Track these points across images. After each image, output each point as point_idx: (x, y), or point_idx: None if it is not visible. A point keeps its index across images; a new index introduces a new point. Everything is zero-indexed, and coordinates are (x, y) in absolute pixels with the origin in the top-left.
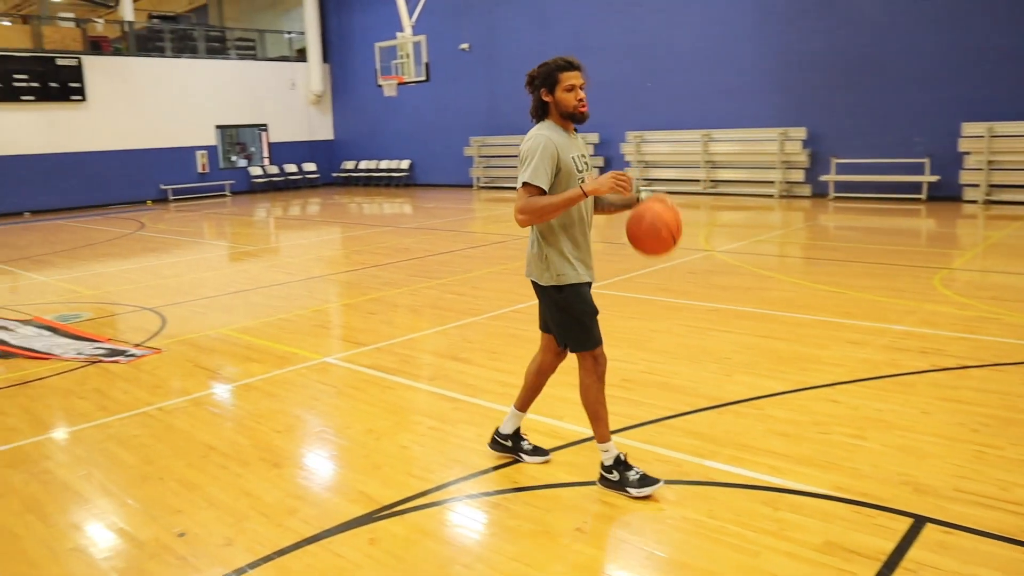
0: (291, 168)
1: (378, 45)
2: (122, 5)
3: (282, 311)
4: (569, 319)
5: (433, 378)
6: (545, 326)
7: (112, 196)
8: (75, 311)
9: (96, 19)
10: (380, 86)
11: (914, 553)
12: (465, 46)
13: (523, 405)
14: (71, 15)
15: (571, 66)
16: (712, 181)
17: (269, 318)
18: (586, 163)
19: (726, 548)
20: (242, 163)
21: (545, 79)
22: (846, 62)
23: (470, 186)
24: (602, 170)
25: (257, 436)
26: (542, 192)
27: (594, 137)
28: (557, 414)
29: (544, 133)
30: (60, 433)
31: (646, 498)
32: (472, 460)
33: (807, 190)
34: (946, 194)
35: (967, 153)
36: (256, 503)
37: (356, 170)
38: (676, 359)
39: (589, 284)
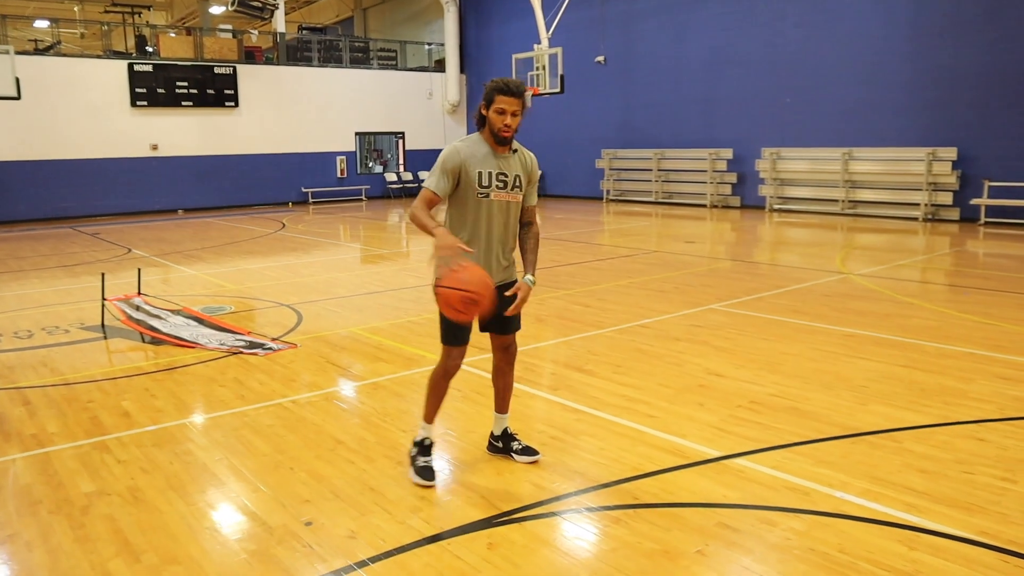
0: (425, 175)
1: (515, 56)
2: (275, 18)
3: (412, 314)
4: (441, 314)
5: (556, 388)
6: (482, 326)
7: (257, 197)
8: (220, 304)
9: (252, 31)
10: None
11: None
12: (601, 59)
13: (500, 408)
14: (229, 27)
15: (508, 91)
16: (851, 202)
17: (399, 320)
18: (504, 181)
19: None
20: (378, 169)
21: (486, 96)
22: (1006, 78)
23: (600, 198)
24: (734, 187)
25: (383, 434)
26: (437, 197)
27: (728, 152)
28: (681, 432)
29: (458, 145)
30: (201, 417)
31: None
32: (593, 472)
33: (955, 214)
34: None
35: None
36: (380, 499)
37: None
38: (808, 384)
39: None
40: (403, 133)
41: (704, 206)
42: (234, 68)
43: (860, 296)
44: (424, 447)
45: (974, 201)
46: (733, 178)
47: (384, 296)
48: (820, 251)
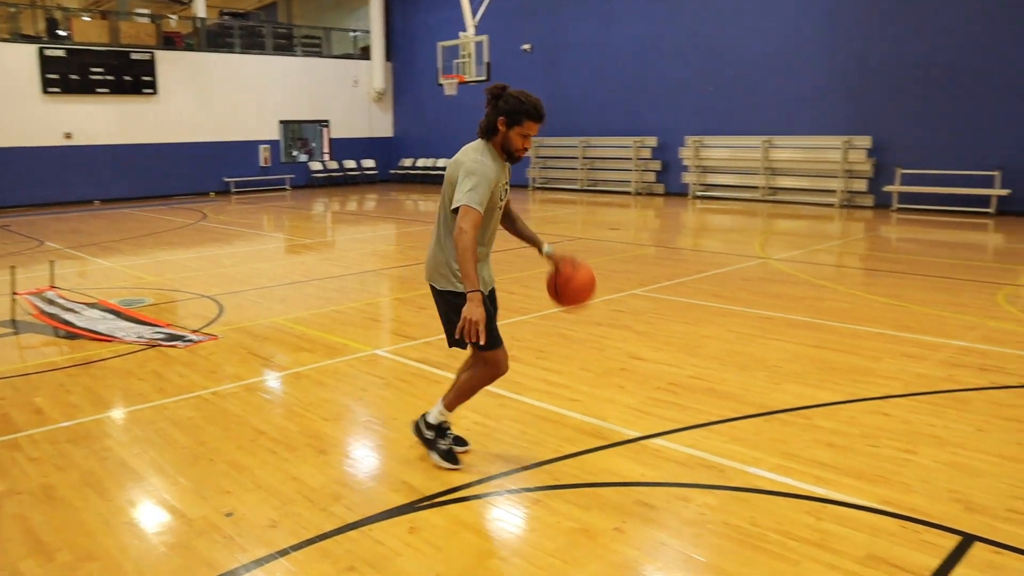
0: (350, 164)
1: (441, 44)
2: (195, 2)
3: (335, 303)
4: (487, 320)
5: None
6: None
7: (177, 187)
8: (138, 296)
9: (170, 15)
10: (441, 85)
11: (960, 571)
12: (527, 47)
13: (452, 405)
14: (147, 11)
15: (540, 117)
16: (771, 188)
17: (322, 309)
18: (506, 190)
19: (766, 556)
20: (303, 158)
21: (511, 113)
22: (917, 70)
23: (526, 186)
24: (658, 175)
25: (306, 423)
26: (479, 216)
27: (652, 140)
28: (602, 415)
29: (487, 162)
30: (119, 412)
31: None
32: (514, 456)
33: (869, 200)
34: (1017, 209)
35: None
36: (302, 488)
37: (414, 167)
38: (725, 365)
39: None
40: (328, 121)
41: (629, 193)
42: (152, 54)
43: (778, 280)
44: (443, 430)
45: (887, 188)
46: (657, 166)
47: (308, 286)
48: (740, 237)
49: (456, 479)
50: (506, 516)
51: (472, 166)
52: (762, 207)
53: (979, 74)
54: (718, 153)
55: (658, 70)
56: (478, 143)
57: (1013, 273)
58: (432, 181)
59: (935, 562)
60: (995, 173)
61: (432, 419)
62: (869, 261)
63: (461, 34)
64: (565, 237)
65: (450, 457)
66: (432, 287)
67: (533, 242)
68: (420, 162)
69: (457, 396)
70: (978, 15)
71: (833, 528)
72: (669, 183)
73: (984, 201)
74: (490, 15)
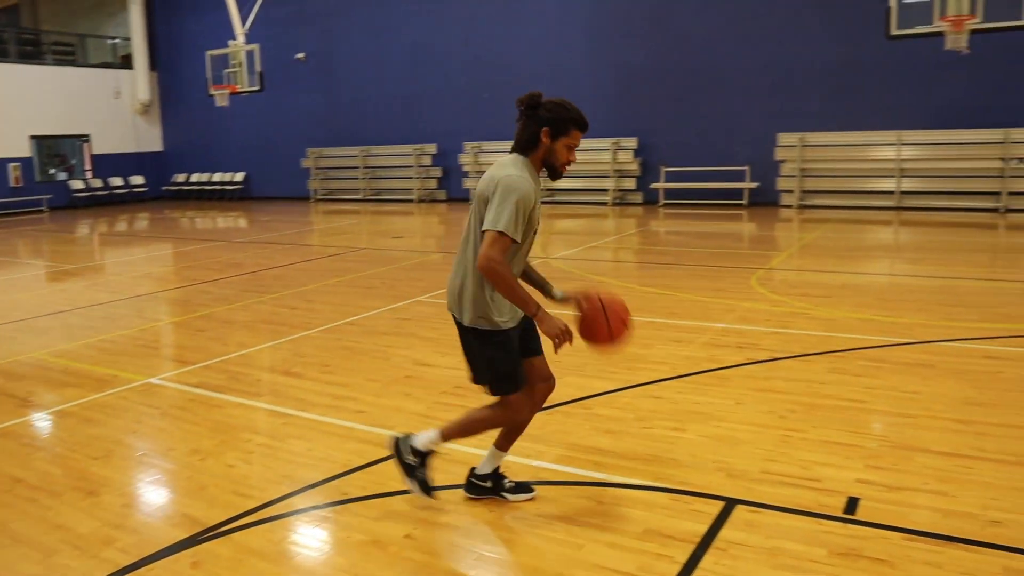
0: (117, 181)
1: (209, 53)
2: None
3: (104, 332)
4: (487, 362)
5: (264, 394)
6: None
7: None
8: None
9: None
10: (212, 96)
11: (725, 533)
12: (301, 56)
13: (504, 445)
14: None
15: (586, 126)
16: (548, 190)
17: (89, 340)
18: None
19: (552, 544)
20: (62, 176)
21: (556, 123)
22: (673, 76)
23: (307, 198)
24: (440, 181)
25: (71, 465)
26: (510, 244)
27: (432, 148)
28: (389, 424)
29: (528, 178)
30: None
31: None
32: (301, 475)
33: (639, 197)
34: (765, 200)
35: (783, 161)
36: (68, 535)
37: (188, 183)
38: None
39: (512, 329)
40: (88, 136)
41: (412, 201)
42: None
43: (557, 278)
44: (425, 459)
45: (654, 185)
46: (439, 172)
47: (71, 315)
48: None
49: (242, 505)
50: (295, 537)
51: (513, 183)
52: (541, 209)
53: (726, 78)
54: (497, 158)
55: (433, 77)
56: (515, 158)
57: (764, 258)
58: (208, 197)
59: (703, 528)
60: (745, 168)
61: (419, 444)
62: (640, 254)
63: (231, 42)
64: (348, 248)
65: (426, 488)
66: (456, 320)
67: (541, 286)
68: (194, 177)
69: (460, 429)
70: (723, 25)
71: (612, 509)
72: (451, 189)
73: (737, 194)
74: (261, 23)
